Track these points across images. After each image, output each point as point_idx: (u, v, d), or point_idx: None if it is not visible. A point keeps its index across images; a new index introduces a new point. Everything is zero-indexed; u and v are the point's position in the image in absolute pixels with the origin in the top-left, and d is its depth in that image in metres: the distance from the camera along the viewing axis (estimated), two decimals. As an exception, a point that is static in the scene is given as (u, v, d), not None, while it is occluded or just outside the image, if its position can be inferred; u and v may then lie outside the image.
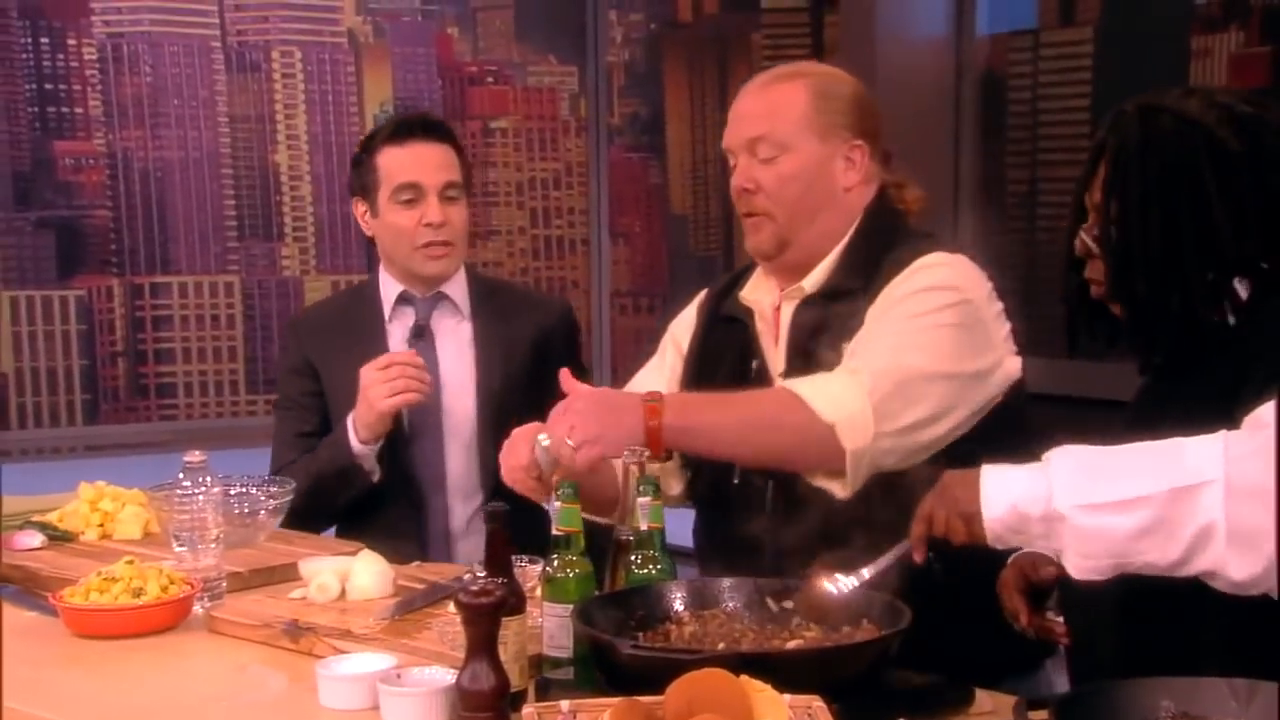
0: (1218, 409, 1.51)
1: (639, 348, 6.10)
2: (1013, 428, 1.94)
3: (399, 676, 1.65)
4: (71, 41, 4.92)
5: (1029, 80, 4.88)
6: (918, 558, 1.61)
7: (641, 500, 1.77)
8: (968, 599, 1.78)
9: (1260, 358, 1.56)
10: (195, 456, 2.08)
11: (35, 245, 4.96)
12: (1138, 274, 1.61)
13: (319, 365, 2.63)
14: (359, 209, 2.65)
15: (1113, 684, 1.44)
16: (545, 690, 1.65)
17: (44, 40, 4.88)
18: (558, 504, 1.75)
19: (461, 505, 2.58)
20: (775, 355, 2.06)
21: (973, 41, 5.09)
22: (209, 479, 2.07)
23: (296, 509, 2.45)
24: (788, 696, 1.40)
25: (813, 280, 2.03)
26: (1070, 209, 1.71)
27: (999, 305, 2.01)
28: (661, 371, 2.23)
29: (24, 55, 4.85)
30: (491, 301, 2.67)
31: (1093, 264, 1.68)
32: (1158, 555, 1.44)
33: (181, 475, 2.07)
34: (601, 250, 5.91)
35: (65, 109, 4.95)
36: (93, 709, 1.71)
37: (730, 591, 1.77)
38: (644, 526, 1.77)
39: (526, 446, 1.89)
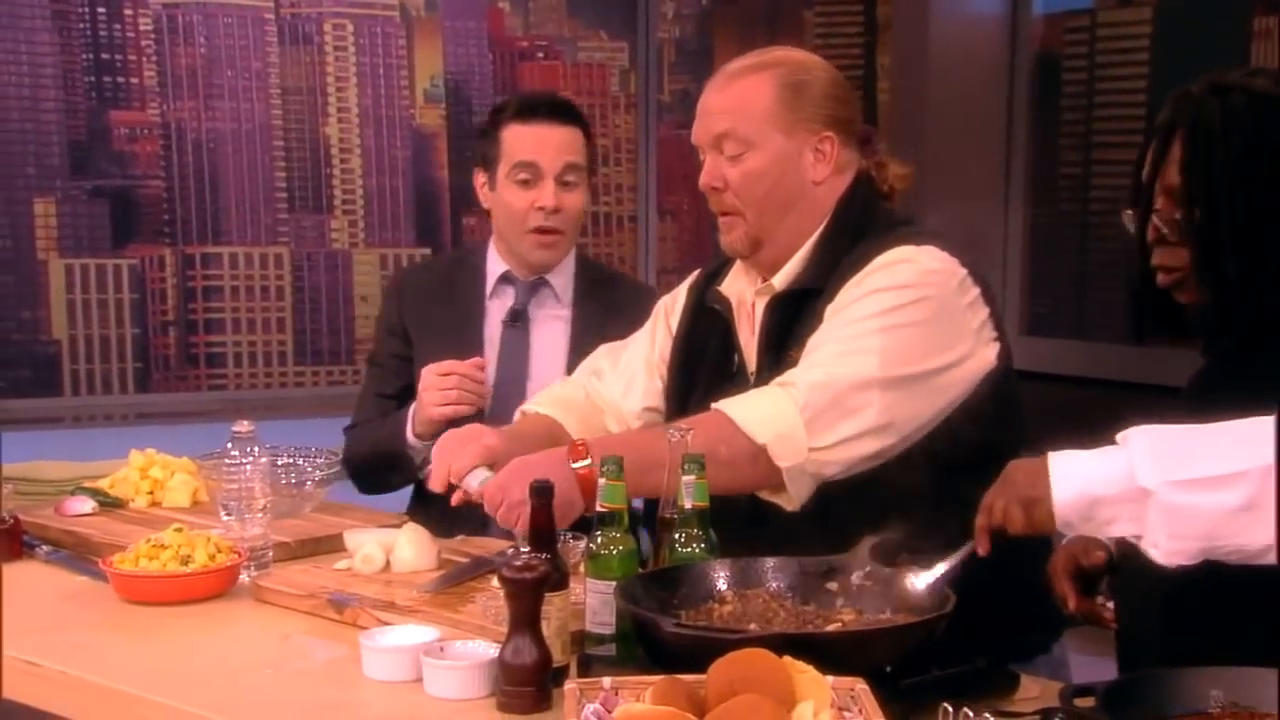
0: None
1: (685, 325, 6.10)
2: (996, 418, 1.89)
3: (442, 649, 1.66)
4: (128, 11, 4.95)
5: (1085, 61, 4.81)
6: (980, 550, 1.58)
7: (686, 479, 1.76)
8: (985, 577, 1.76)
9: None
10: (244, 426, 2.10)
11: (90, 214, 5.01)
12: (1227, 255, 1.57)
13: (412, 329, 2.61)
14: (479, 179, 2.62)
15: (1160, 672, 1.43)
16: (587, 666, 1.65)
17: (100, 10, 4.91)
18: (603, 480, 1.75)
19: None
20: (751, 352, 2.03)
21: (1028, 21, 5.02)
22: (257, 449, 2.09)
23: (353, 466, 2.46)
24: (830, 678, 1.39)
25: (782, 277, 1.99)
26: (1131, 193, 1.67)
27: (973, 292, 1.93)
28: (652, 347, 2.20)
29: (81, 25, 4.89)
30: (596, 293, 2.61)
31: (1164, 250, 1.63)
32: (1251, 537, 1.38)
33: (230, 445, 2.09)
34: (649, 227, 5.89)
35: (121, 79, 4.98)
36: (140, 674, 1.73)
37: (774, 571, 1.76)
38: (688, 505, 1.76)
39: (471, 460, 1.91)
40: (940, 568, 1.64)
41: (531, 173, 2.53)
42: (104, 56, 4.94)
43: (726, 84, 1.99)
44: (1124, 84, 4.64)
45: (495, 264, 2.62)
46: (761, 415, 1.84)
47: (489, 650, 1.63)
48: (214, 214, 5.12)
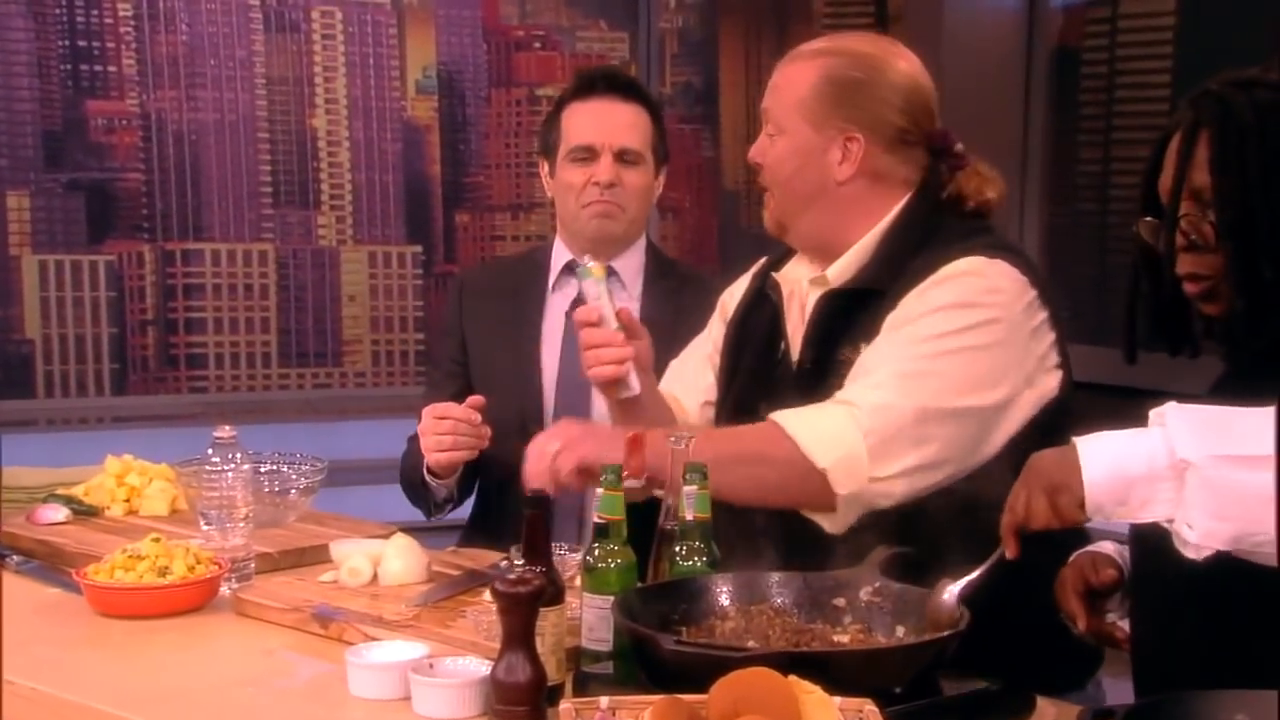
0: None
1: (686, 328, 6.10)
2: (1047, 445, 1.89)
3: (431, 666, 1.65)
4: (106, -2, 4.95)
5: (1105, 55, 4.82)
6: (1009, 553, 1.56)
7: (688, 489, 1.76)
8: (1016, 603, 1.75)
9: None
10: (225, 432, 2.09)
11: (65, 208, 5.01)
12: (1263, 257, 1.55)
13: (469, 328, 2.60)
14: (543, 170, 2.61)
15: (1184, 695, 1.42)
16: (583, 685, 1.65)
17: (78, -4, 4.91)
18: (600, 490, 1.74)
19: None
20: (797, 343, 2.04)
21: (1046, 13, 5.02)
22: (239, 455, 2.08)
23: (405, 491, 2.51)
24: (838, 699, 1.39)
25: (837, 273, 1.99)
26: (1143, 200, 1.65)
27: (1041, 315, 1.91)
28: (707, 340, 2.22)
29: (56, 10, 4.89)
30: (666, 282, 2.58)
31: (1193, 257, 1.61)
32: None
33: (211, 451, 2.08)
34: (650, 225, 5.89)
35: (98, 67, 4.98)
36: (114, 690, 1.73)
37: (779, 586, 1.76)
38: (690, 516, 1.76)
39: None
40: (972, 575, 1.62)
41: (588, 153, 2.51)
42: (81, 44, 4.94)
43: (786, 63, 2.03)
44: (1147, 79, 4.64)
45: (560, 255, 2.59)
46: (823, 435, 1.82)
47: (480, 668, 1.62)
48: (195, 209, 5.12)
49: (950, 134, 2.05)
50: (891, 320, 1.90)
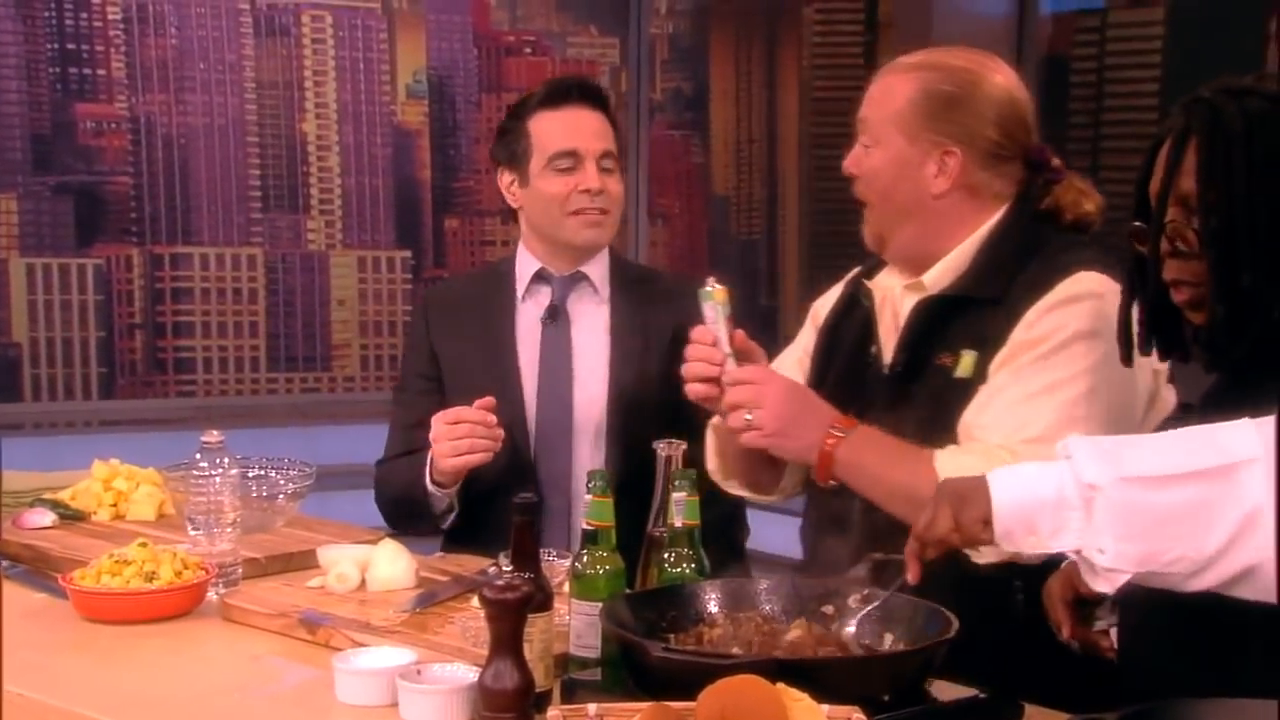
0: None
1: (676, 334, 6.10)
2: None
3: (419, 673, 1.65)
4: (95, 1, 4.95)
5: (1094, 63, 4.84)
6: (910, 578, 1.57)
7: (676, 495, 1.76)
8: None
9: None
10: (213, 437, 2.09)
11: (53, 211, 5.00)
12: (1244, 265, 1.55)
13: (439, 345, 2.56)
14: (504, 180, 2.56)
15: (1173, 704, 1.42)
16: (571, 692, 1.64)
17: (68, -1, 4.90)
18: (588, 497, 1.74)
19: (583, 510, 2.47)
20: (889, 347, 2.03)
21: (1036, 20, 5.04)
22: (227, 460, 2.08)
23: (389, 512, 2.46)
24: (826, 707, 1.39)
25: (933, 279, 1.99)
26: (1136, 205, 1.66)
27: None
28: (798, 346, 2.22)
29: (46, 13, 4.88)
30: (634, 287, 2.56)
31: (1178, 263, 1.62)
32: (1197, 544, 1.38)
33: (198, 455, 2.08)
34: (639, 231, 5.89)
35: (87, 70, 4.97)
36: (100, 696, 1.72)
37: (768, 593, 1.76)
38: (679, 523, 1.76)
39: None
40: (872, 605, 1.65)
41: (572, 160, 2.47)
42: (70, 47, 4.93)
43: (883, 74, 2.04)
44: (1135, 87, 4.66)
45: (527, 265, 2.55)
46: None
47: (468, 674, 1.62)
48: (184, 213, 5.11)
49: (1047, 148, 2.04)
50: (1023, 339, 1.89)
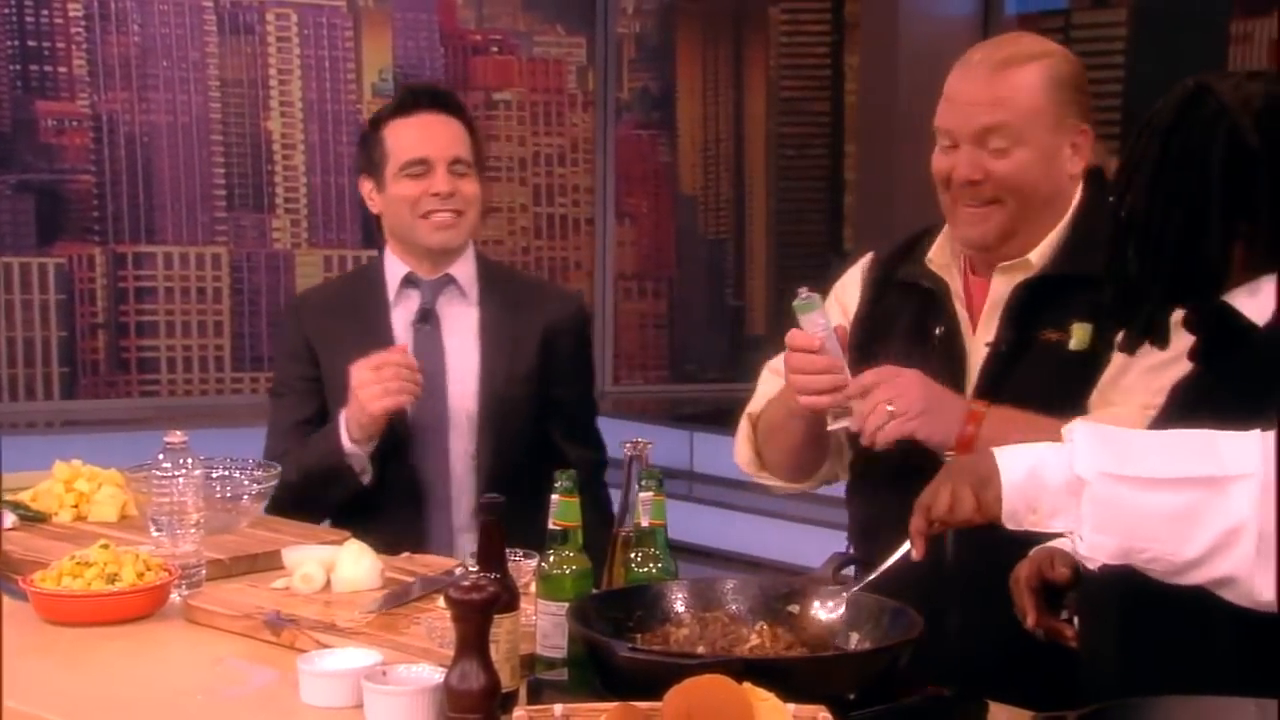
0: (1249, 409, 1.49)
1: (643, 333, 6.09)
2: None
3: (384, 674, 1.64)
4: (57, -3, 4.90)
5: (1059, 63, 4.85)
6: (916, 554, 1.58)
7: (643, 495, 1.76)
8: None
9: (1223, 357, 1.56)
10: (176, 437, 2.07)
11: (14, 210, 4.95)
12: (1131, 248, 1.60)
13: (319, 349, 2.61)
14: (365, 187, 2.62)
15: (1134, 701, 1.43)
16: (537, 692, 1.64)
17: (28, -5, 4.86)
18: (555, 497, 1.74)
19: (465, 500, 2.57)
20: (972, 324, 2.03)
21: (1001, 21, 5.07)
22: (190, 461, 2.06)
23: (286, 503, 2.44)
24: (792, 706, 1.39)
25: (1040, 257, 1.99)
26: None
27: None
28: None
29: (5, 10, 4.83)
30: (501, 289, 2.64)
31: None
32: (1174, 548, 1.41)
33: (161, 456, 2.06)
34: (607, 230, 5.89)
35: (48, 68, 4.93)
36: (62, 700, 1.70)
37: (734, 593, 1.76)
38: (645, 523, 1.76)
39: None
40: (852, 589, 1.66)
41: (423, 166, 2.54)
42: (30, 44, 4.89)
43: (994, 75, 1.96)
44: (1100, 87, 4.68)
45: (395, 269, 2.61)
46: None
47: (434, 675, 1.61)
48: (147, 211, 5.08)
49: None
50: None
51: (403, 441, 2.52)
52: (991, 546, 1.68)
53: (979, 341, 2.02)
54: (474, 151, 2.61)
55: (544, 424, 2.60)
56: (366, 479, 2.50)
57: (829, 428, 1.96)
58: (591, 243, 5.88)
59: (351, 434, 2.45)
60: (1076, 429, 1.48)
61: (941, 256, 2.08)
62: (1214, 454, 1.41)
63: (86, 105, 4.98)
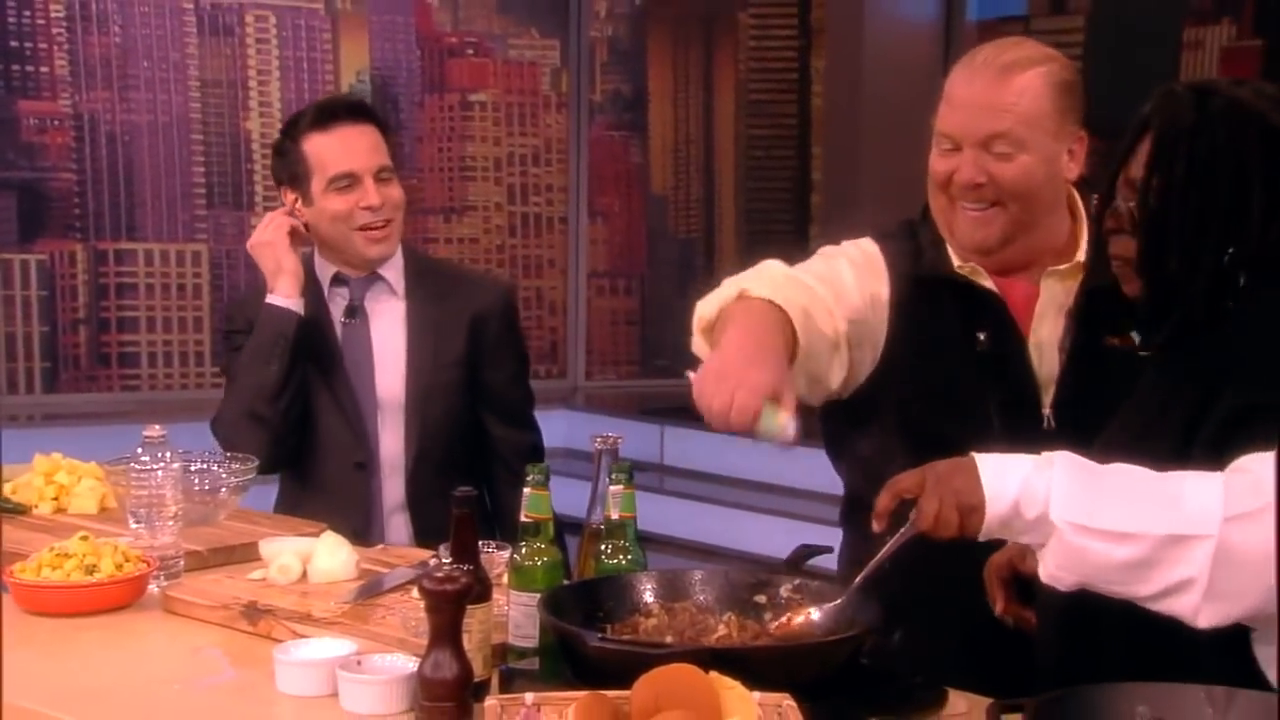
0: (1203, 391, 1.55)
1: (615, 329, 6.08)
2: None
3: (359, 663, 1.63)
4: (39, -2, 4.86)
5: (1018, 68, 4.86)
6: (878, 526, 1.58)
7: (613, 488, 1.75)
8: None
9: (1252, 345, 1.57)
10: (154, 431, 2.06)
11: (-4, 207, 4.91)
12: (1170, 250, 1.60)
13: None
14: (288, 198, 2.64)
15: (1088, 687, 1.44)
16: (509, 681, 1.64)
17: (10, -4, 4.81)
18: (527, 490, 1.74)
19: (395, 483, 2.62)
20: (1026, 330, 1.96)
21: (962, 26, 5.08)
22: (168, 454, 2.05)
23: (258, 416, 2.53)
24: (757, 694, 1.39)
25: (1085, 256, 1.95)
26: (1103, 189, 1.69)
27: None
28: (864, 284, 1.96)
29: (-12, 11, 4.78)
30: (427, 281, 2.68)
31: (1118, 240, 1.66)
32: (1128, 590, 1.47)
33: (140, 450, 2.04)
34: (579, 229, 5.88)
35: (30, 67, 4.88)
36: (42, 689, 1.69)
37: (702, 584, 1.76)
38: (615, 515, 1.76)
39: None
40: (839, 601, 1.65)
41: (350, 179, 2.56)
42: (12, 44, 4.84)
43: (999, 80, 1.91)
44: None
45: (324, 269, 2.67)
46: None
47: (408, 664, 1.61)
48: (128, 209, 5.03)
49: None
50: None
51: (334, 430, 2.59)
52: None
53: (1040, 347, 1.95)
54: (392, 154, 2.66)
55: (477, 409, 2.65)
56: (293, 334, 2.56)
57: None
58: (565, 241, 5.87)
59: (274, 289, 2.58)
60: (1058, 465, 1.50)
61: (964, 260, 1.99)
62: (1179, 507, 1.45)
63: (68, 105, 4.94)
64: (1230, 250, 1.59)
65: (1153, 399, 1.64)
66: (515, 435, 2.68)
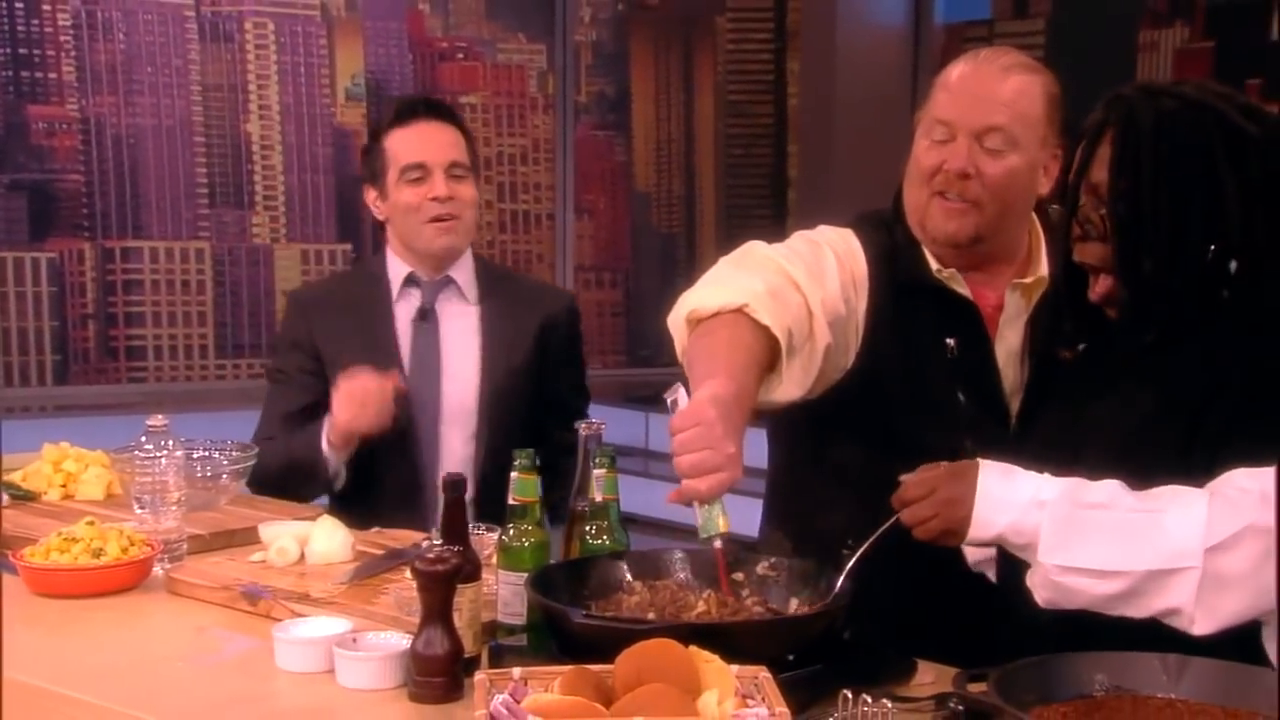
0: (1201, 383, 1.54)
1: (602, 321, 6.08)
2: None
3: (354, 640, 1.63)
4: (46, 7, 4.83)
5: (983, 69, 4.87)
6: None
7: (597, 472, 1.75)
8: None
9: (1252, 337, 1.55)
10: (157, 420, 2.05)
11: (8, 207, 4.88)
12: (1144, 252, 1.56)
13: (320, 342, 2.54)
14: (370, 196, 2.57)
15: (1048, 657, 1.44)
16: (498, 657, 1.63)
17: (19, 5, 4.78)
18: (515, 474, 1.73)
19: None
20: (995, 338, 1.92)
21: (930, 30, 5.08)
22: (171, 442, 2.04)
23: (265, 487, 2.41)
24: (735, 667, 1.39)
25: (1044, 271, 1.90)
26: (1060, 191, 1.67)
27: None
28: (843, 271, 1.88)
29: (-2, 20, 4.75)
30: (499, 289, 2.60)
31: (1084, 246, 1.62)
32: (1121, 614, 1.50)
33: (144, 438, 2.03)
34: (566, 225, 5.87)
35: (39, 74, 4.85)
36: (51, 667, 1.68)
37: (682, 563, 1.75)
38: (599, 498, 1.75)
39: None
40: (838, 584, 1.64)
41: (421, 171, 2.49)
42: (21, 51, 4.81)
43: (1002, 75, 1.86)
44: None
45: (397, 269, 2.56)
46: None
47: (401, 641, 1.60)
48: (134, 209, 5.01)
49: None
50: None
51: (401, 435, 2.47)
52: None
53: (1007, 355, 1.91)
54: (470, 156, 2.56)
55: (539, 414, 2.54)
56: (339, 484, 2.46)
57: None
58: (552, 236, 5.86)
59: (330, 439, 2.41)
60: (1049, 506, 1.51)
61: (941, 264, 1.94)
62: (1161, 542, 1.46)
63: (75, 109, 4.91)
64: (1213, 245, 1.55)
65: (1145, 401, 1.59)
66: (574, 438, 2.52)
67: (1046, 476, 1.55)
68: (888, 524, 1.61)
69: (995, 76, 1.86)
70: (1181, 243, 1.55)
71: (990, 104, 1.85)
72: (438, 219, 2.50)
